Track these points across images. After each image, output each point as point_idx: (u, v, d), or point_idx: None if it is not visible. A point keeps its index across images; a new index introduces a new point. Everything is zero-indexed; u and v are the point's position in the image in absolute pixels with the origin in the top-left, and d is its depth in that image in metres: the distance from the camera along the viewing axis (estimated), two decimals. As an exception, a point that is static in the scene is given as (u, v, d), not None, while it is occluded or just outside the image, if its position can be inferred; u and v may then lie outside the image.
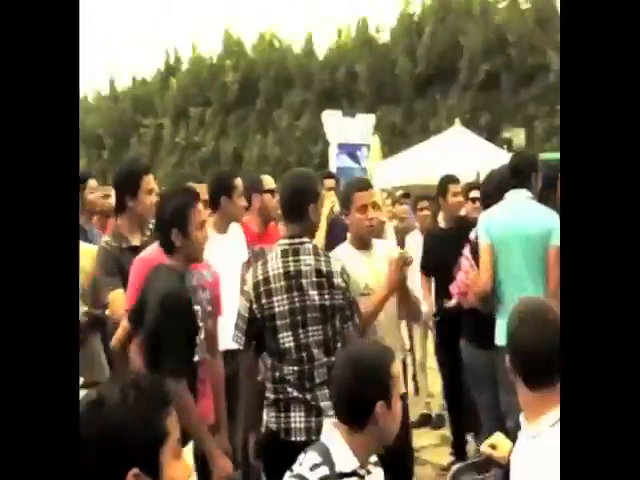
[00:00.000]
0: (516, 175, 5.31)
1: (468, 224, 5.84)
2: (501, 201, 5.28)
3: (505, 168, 5.40)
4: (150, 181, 4.57)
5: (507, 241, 5.16)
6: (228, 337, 4.01)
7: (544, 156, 6.67)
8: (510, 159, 5.49)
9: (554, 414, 2.72)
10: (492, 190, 5.47)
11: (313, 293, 3.84)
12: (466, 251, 5.40)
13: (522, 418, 2.83)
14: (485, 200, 5.56)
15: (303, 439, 3.74)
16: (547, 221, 5.08)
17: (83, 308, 4.82)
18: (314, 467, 2.74)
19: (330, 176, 7.40)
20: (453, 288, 5.53)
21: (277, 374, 3.87)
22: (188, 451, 3.96)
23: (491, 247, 5.18)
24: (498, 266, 5.16)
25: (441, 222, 6.48)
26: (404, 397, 4.26)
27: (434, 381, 7.13)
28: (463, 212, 6.66)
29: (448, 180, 6.43)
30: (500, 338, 4.91)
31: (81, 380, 3.88)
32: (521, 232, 5.13)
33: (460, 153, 12.79)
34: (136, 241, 4.51)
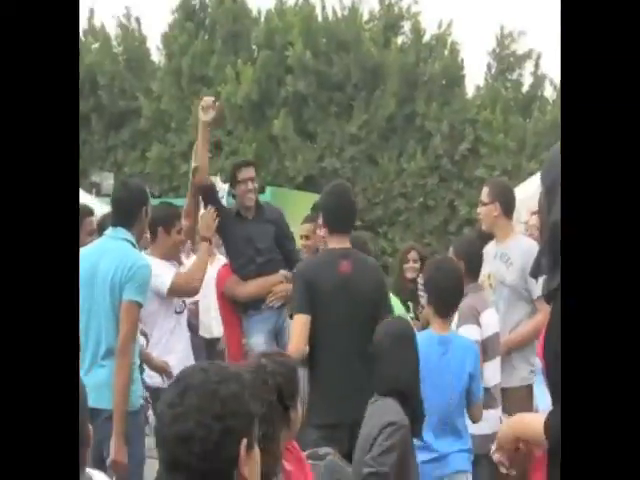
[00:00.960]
0: (118, 210, 4.85)
1: None
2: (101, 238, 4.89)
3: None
4: None
5: (89, 285, 4.63)
6: None
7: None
8: (114, 189, 5.06)
9: None
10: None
11: None
12: None
13: None
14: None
15: None
16: (127, 269, 4.63)
17: None
18: None
19: None
20: None
21: None
22: None
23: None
24: (81, 310, 4.62)
25: None
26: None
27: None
28: None
29: None
30: None
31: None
32: (101, 276, 4.65)
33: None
34: None
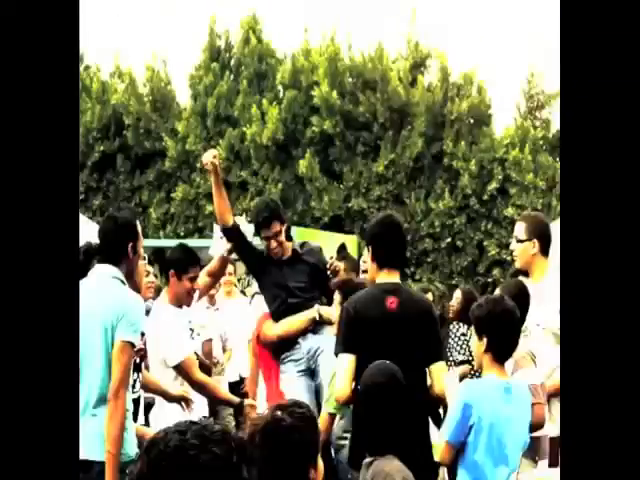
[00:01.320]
0: (105, 245, 4.55)
1: None
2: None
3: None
4: None
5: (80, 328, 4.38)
6: None
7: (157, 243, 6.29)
8: (102, 222, 4.74)
9: None
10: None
11: None
12: None
13: None
14: None
15: None
16: (118, 308, 4.35)
17: None
18: None
19: None
20: None
21: None
22: None
23: None
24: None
25: None
26: None
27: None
28: None
29: None
30: None
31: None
32: (91, 317, 4.34)
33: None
34: None
